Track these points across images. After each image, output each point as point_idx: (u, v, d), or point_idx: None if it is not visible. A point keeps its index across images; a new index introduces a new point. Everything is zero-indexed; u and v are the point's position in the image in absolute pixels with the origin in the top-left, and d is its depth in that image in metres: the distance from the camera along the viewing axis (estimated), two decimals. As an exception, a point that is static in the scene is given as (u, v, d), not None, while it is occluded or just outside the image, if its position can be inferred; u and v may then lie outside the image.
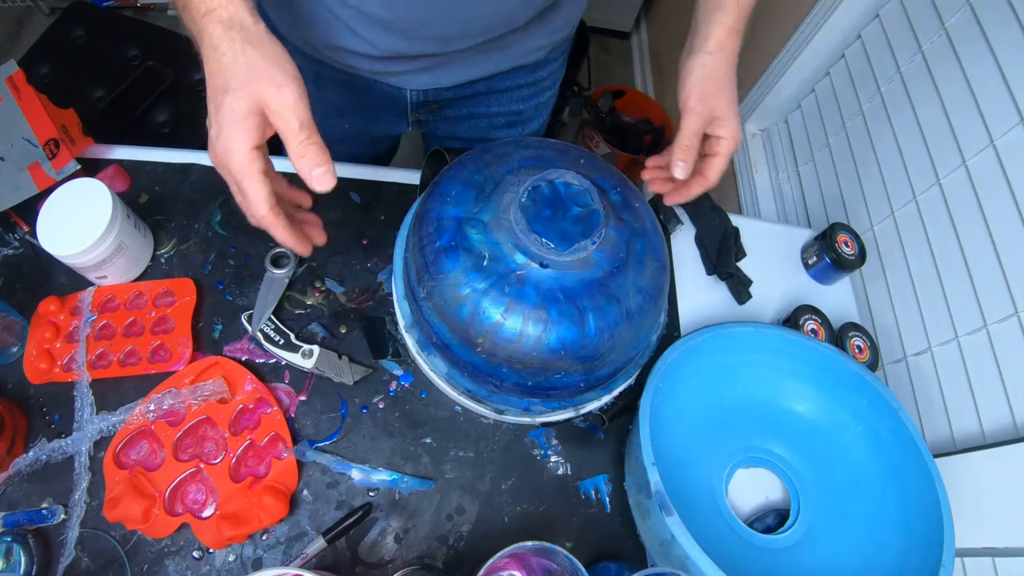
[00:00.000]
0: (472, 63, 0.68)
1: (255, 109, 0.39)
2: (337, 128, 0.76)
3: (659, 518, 0.50)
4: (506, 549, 0.46)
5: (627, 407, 0.63)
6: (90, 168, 0.66)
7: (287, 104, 0.39)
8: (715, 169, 0.54)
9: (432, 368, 0.58)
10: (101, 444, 0.57)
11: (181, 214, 0.69)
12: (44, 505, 0.55)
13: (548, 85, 0.80)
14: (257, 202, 0.41)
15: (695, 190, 0.55)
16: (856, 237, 0.80)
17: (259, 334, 0.62)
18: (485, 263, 0.49)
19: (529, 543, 0.46)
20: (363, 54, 0.62)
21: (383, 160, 0.91)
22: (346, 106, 0.74)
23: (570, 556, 0.46)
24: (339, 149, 0.68)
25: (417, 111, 0.75)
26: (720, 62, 0.52)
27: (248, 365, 0.62)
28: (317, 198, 0.49)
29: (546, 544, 0.46)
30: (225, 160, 0.40)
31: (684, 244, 0.79)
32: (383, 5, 0.55)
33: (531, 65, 0.73)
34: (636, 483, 0.58)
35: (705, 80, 0.52)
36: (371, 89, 0.70)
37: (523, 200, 0.50)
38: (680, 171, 0.53)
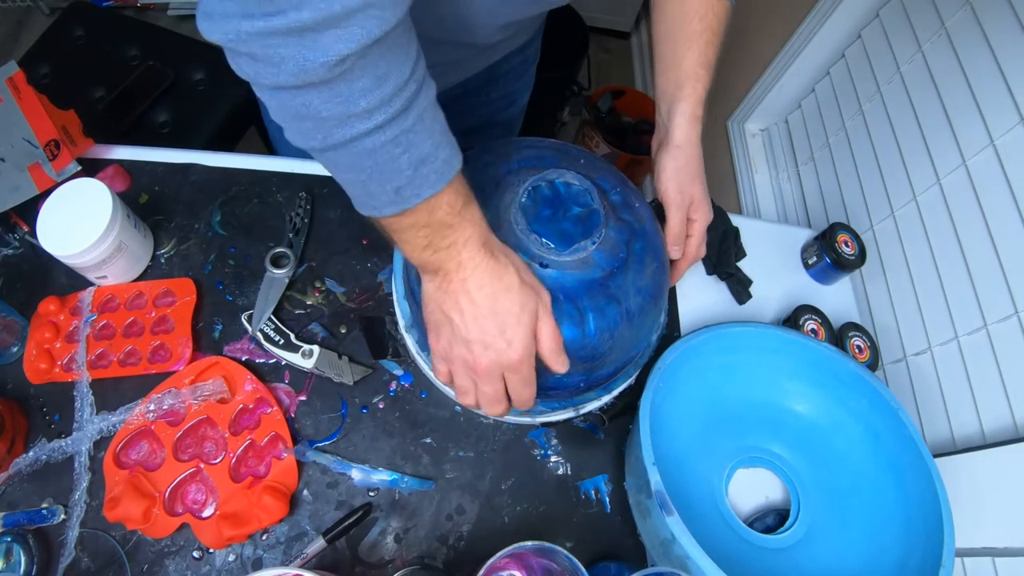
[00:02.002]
0: (476, 62, 0.68)
1: (534, 311, 0.44)
2: None
3: (659, 518, 0.49)
4: (506, 549, 0.46)
5: (627, 407, 0.63)
6: (90, 168, 0.66)
7: (549, 305, 0.46)
8: (693, 247, 0.61)
9: (432, 368, 0.58)
10: (101, 444, 0.57)
11: (181, 214, 0.69)
12: (44, 505, 0.55)
13: (533, 57, 0.80)
14: (533, 378, 0.47)
15: (683, 267, 0.62)
16: (856, 237, 0.80)
17: (259, 334, 0.62)
18: (485, 263, 0.49)
19: (529, 543, 0.46)
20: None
21: None
22: None
23: (570, 556, 0.46)
24: None
25: None
26: (689, 153, 0.58)
27: (248, 365, 0.62)
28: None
29: (546, 544, 0.46)
30: (506, 357, 0.44)
31: (684, 244, 0.79)
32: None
33: (523, 44, 0.73)
34: (636, 483, 0.58)
35: (678, 172, 0.58)
36: None
37: (523, 200, 0.50)
38: (676, 253, 0.60)
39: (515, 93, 0.82)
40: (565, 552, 0.46)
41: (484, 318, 0.43)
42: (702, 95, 0.58)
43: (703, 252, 0.62)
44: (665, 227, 0.59)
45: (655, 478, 0.50)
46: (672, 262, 0.62)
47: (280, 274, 0.65)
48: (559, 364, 0.47)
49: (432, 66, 0.38)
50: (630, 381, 0.61)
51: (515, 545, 0.46)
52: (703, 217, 0.59)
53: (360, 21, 0.31)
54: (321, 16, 0.30)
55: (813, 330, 0.72)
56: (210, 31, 0.32)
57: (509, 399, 0.48)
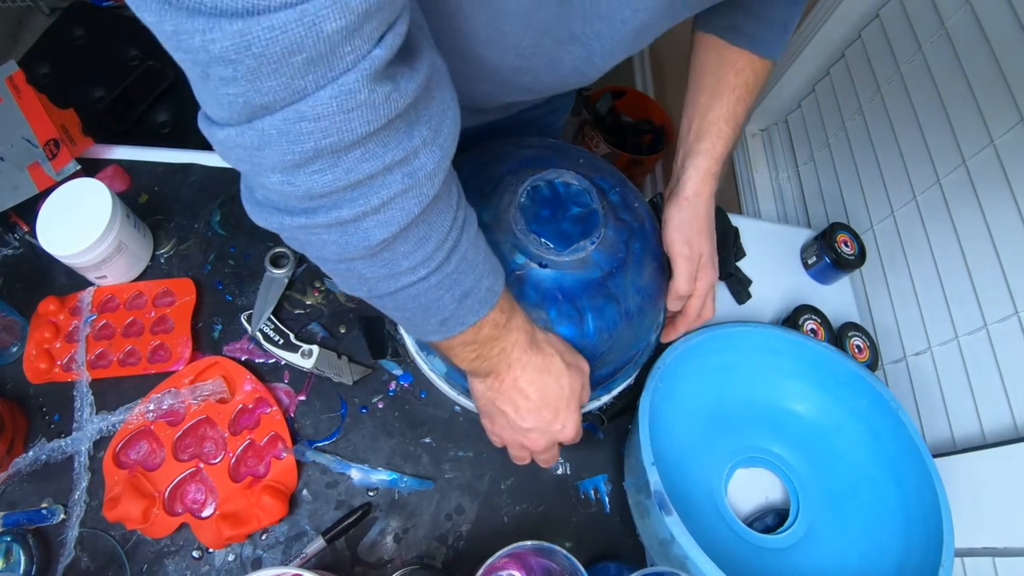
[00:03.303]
0: (501, 110, 0.66)
1: (579, 391, 0.47)
2: None
3: (658, 518, 0.49)
4: (505, 549, 0.46)
5: (627, 407, 0.63)
6: (90, 168, 0.66)
7: (587, 373, 0.48)
8: (695, 307, 0.57)
9: (431, 368, 0.58)
10: (101, 444, 0.57)
11: (181, 214, 0.69)
12: (44, 505, 0.55)
13: (567, 104, 0.79)
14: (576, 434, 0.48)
15: (681, 328, 0.59)
16: (856, 237, 0.80)
17: (259, 334, 0.62)
18: (484, 263, 0.49)
19: (528, 543, 0.46)
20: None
21: None
22: None
23: (569, 556, 0.46)
24: None
25: None
26: (697, 207, 0.55)
27: (248, 365, 0.62)
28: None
29: (545, 544, 0.46)
30: (562, 437, 0.47)
31: (684, 244, 0.79)
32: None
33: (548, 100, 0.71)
34: (636, 483, 0.57)
35: (683, 224, 0.55)
36: None
37: (522, 200, 0.50)
38: (675, 306, 0.57)
39: (550, 125, 0.81)
40: (564, 552, 0.46)
41: (538, 410, 0.45)
42: (721, 153, 0.56)
43: (709, 314, 0.58)
44: (671, 283, 0.56)
45: (654, 478, 0.50)
46: (670, 318, 0.59)
47: (280, 274, 0.65)
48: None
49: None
50: (629, 381, 0.61)
51: (514, 545, 0.46)
52: (707, 276, 0.56)
53: (400, 204, 0.31)
54: (360, 211, 0.30)
55: (813, 330, 0.72)
56: (257, 218, 0.33)
57: None
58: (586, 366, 0.48)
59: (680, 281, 0.55)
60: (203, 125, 0.30)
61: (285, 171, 0.28)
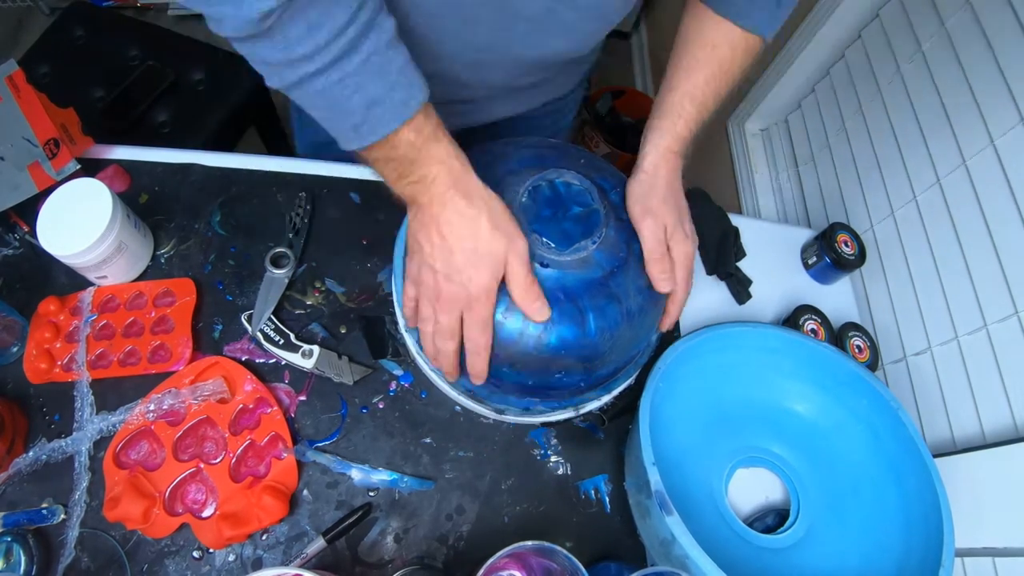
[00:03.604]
0: (508, 102, 0.66)
1: (499, 256, 0.45)
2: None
3: (659, 518, 0.49)
4: (506, 549, 0.46)
5: (627, 407, 0.63)
6: (90, 168, 0.66)
7: (522, 253, 0.46)
8: (682, 276, 0.54)
9: (432, 368, 0.58)
10: (101, 444, 0.57)
11: (181, 214, 0.69)
12: (44, 505, 0.55)
13: (570, 108, 0.79)
14: (488, 324, 0.47)
15: (672, 311, 0.55)
16: (856, 237, 0.80)
17: (259, 334, 0.62)
18: (485, 263, 0.49)
19: (529, 543, 0.46)
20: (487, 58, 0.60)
21: None
22: None
23: (570, 556, 0.46)
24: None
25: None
26: (655, 179, 0.53)
27: (248, 365, 0.62)
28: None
29: (546, 544, 0.46)
30: (464, 292, 0.45)
31: (684, 244, 0.79)
32: (436, 48, 0.52)
33: (561, 96, 0.72)
34: (636, 483, 0.58)
35: (641, 196, 0.53)
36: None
37: (523, 200, 0.50)
38: (664, 285, 0.52)
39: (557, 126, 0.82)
40: (565, 552, 0.46)
41: (450, 252, 0.45)
42: (683, 132, 0.54)
43: (685, 289, 0.55)
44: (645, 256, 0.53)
45: (655, 478, 0.50)
46: (665, 303, 0.56)
47: (280, 274, 0.65)
48: (533, 310, 0.47)
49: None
50: (630, 381, 0.61)
51: (515, 545, 0.46)
52: (679, 244, 0.53)
53: None
54: None
55: (813, 330, 0.72)
56: None
57: (463, 369, 0.51)
58: (521, 243, 0.46)
59: (648, 243, 0.51)
60: None
61: None
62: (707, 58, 0.53)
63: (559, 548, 0.46)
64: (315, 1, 0.36)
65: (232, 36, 0.37)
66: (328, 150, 0.64)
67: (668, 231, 0.52)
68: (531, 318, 0.47)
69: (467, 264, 0.45)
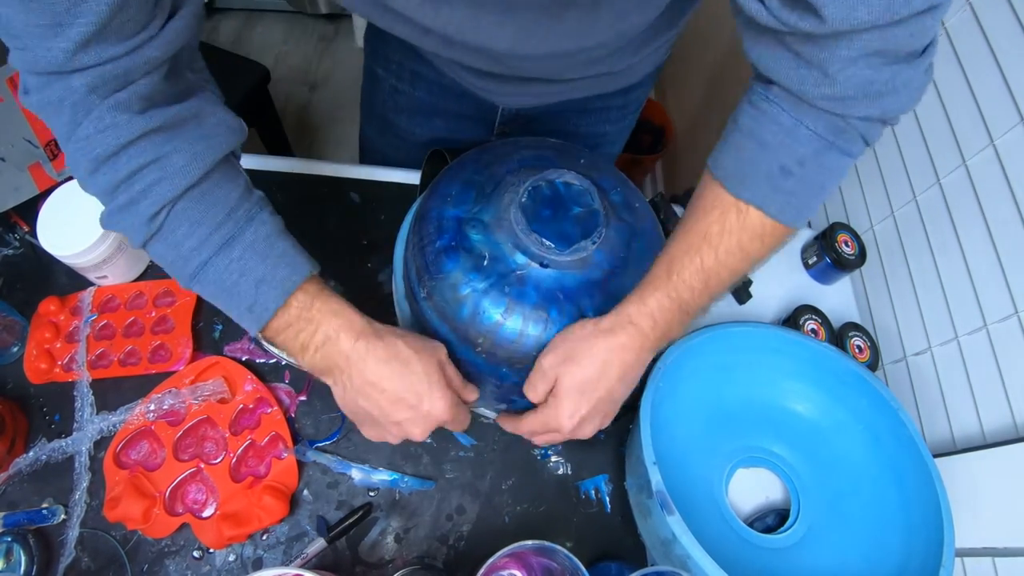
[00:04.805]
0: (573, 87, 0.65)
1: (438, 369, 0.47)
2: (424, 128, 0.76)
3: (660, 517, 0.49)
4: (506, 548, 0.46)
5: (627, 407, 0.63)
6: (90, 168, 0.66)
7: (445, 355, 0.49)
8: (524, 421, 0.51)
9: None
10: (101, 444, 0.57)
11: (181, 214, 0.69)
12: (44, 505, 0.55)
13: (635, 108, 0.79)
14: (464, 416, 0.50)
15: (508, 426, 0.54)
16: (856, 237, 0.80)
17: (259, 334, 0.62)
18: (485, 263, 0.49)
19: (529, 542, 0.46)
20: (465, 66, 0.60)
21: None
22: (437, 109, 0.73)
23: (570, 555, 0.46)
24: (420, 153, 0.69)
25: (504, 124, 0.74)
26: (595, 339, 0.46)
27: (248, 365, 0.62)
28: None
29: (546, 543, 0.46)
30: (433, 419, 0.46)
31: (684, 244, 0.79)
32: (488, 45, 0.48)
33: (627, 87, 0.70)
34: (637, 483, 0.58)
35: (555, 347, 0.47)
36: (464, 97, 0.69)
37: (523, 200, 0.50)
38: (533, 396, 0.49)
39: (603, 136, 0.79)
40: (565, 551, 0.46)
41: (399, 399, 0.45)
42: (631, 312, 0.46)
43: (523, 430, 0.51)
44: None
45: (656, 478, 0.50)
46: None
47: None
48: (470, 394, 0.51)
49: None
50: (630, 381, 0.61)
51: (515, 544, 0.46)
52: (548, 411, 0.48)
53: (157, 191, 0.40)
54: (130, 196, 0.40)
55: (813, 330, 0.72)
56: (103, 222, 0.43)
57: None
58: (439, 346, 0.48)
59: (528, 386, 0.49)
60: None
61: (91, 176, 0.39)
62: (691, 227, 0.46)
63: (559, 547, 0.46)
64: (195, 203, 0.41)
65: (137, 240, 0.42)
66: None
67: (554, 389, 0.48)
68: (467, 400, 0.51)
69: (420, 396, 0.45)
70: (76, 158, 0.39)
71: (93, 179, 0.40)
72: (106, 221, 0.42)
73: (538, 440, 0.52)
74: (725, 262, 0.45)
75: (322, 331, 0.44)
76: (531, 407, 0.51)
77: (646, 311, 0.46)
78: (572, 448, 0.64)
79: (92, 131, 0.37)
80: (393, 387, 0.44)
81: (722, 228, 0.44)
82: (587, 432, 0.49)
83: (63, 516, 0.54)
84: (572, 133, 0.76)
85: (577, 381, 0.46)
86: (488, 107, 0.70)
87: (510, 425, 0.54)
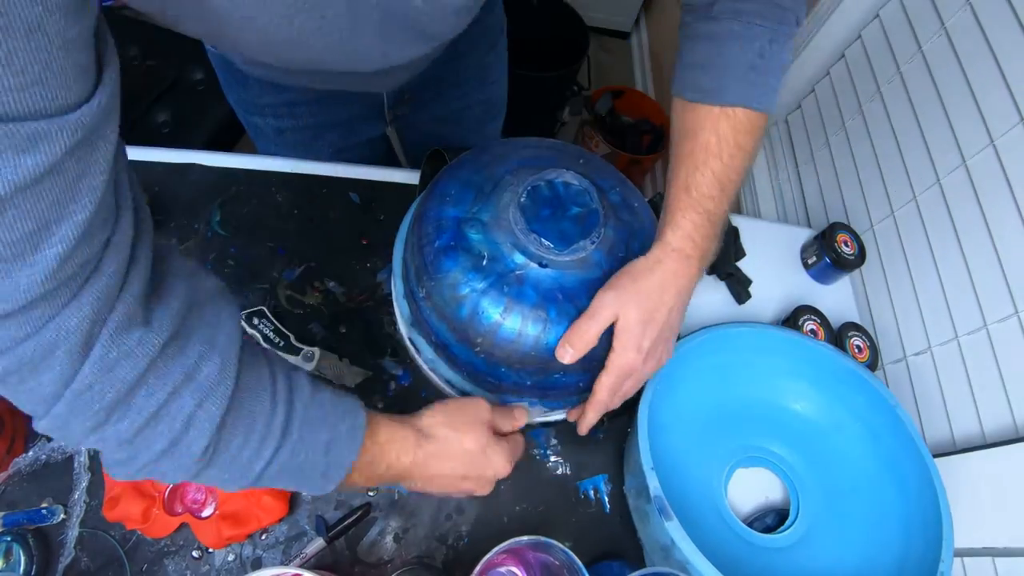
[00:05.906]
0: (440, 48, 0.62)
1: (487, 431, 0.48)
2: (317, 149, 0.75)
3: (659, 523, 0.49)
4: (503, 544, 0.46)
5: (627, 407, 0.63)
6: (90, 168, 0.66)
7: (487, 407, 0.49)
8: (600, 385, 0.50)
9: (431, 368, 0.58)
10: (101, 444, 0.57)
11: (181, 214, 0.69)
12: (44, 505, 0.55)
13: (500, 27, 0.76)
14: (519, 450, 0.51)
15: (590, 414, 0.52)
16: (856, 237, 0.80)
17: (258, 335, 0.62)
18: (484, 263, 0.49)
19: (524, 538, 0.46)
20: (338, 72, 0.58)
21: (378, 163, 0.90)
22: (326, 124, 0.72)
23: (566, 550, 0.46)
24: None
25: (394, 108, 0.73)
26: (640, 284, 0.47)
27: (248, 365, 0.62)
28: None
29: (542, 538, 0.46)
30: (501, 476, 0.49)
31: (684, 244, 0.79)
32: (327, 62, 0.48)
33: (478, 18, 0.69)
34: (636, 486, 0.57)
35: (611, 286, 0.48)
36: (347, 100, 0.68)
37: (522, 200, 0.50)
38: (567, 356, 0.48)
39: (488, 103, 0.80)
40: (561, 546, 0.46)
41: (464, 475, 0.47)
42: (688, 226, 0.48)
43: (602, 397, 0.50)
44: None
45: (654, 483, 0.50)
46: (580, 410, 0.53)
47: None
48: (520, 419, 0.52)
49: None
50: (629, 381, 0.61)
51: (511, 540, 0.46)
52: (618, 355, 0.48)
53: (201, 416, 0.33)
54: (170, 437, 0.32)
55: (812, 330, 0.72)
56: (116, 476, 0.35)
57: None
58: (480, 404, 0.49)
59: (579, 322, 0.48)
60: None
61: (94, 432, 0.31)
62: (691, 148, 0.49)
63: (555, 542, 0.46)
64: (240, 405, 0.35)
65: (186, 477, 0.35)
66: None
67: (617, 332, 0.48)
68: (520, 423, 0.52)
69: (482, 466, 0.47)
70: (67, 419, 0.30)
71: (99, 434, 0.31)
72: (132, 473, 0.34)
73: (620, 396, 0.51)
74: (730, 164, 0.49)
75: (384, 463, 0.44)
76: (534, 404, 0.51)
77: (683, 234, 0.49)
78: (572, 448, 0.64)
79: (97, 373, 0.29)
80: (455, 471, 0.47)
81: (719, 137, 0.48)
82: (651, 368, 0.51)
83: (62, 516, 0.54)
84: (464, 81, 0.75)
85: (638, 314, 0.47)
86: (373, 97, 0.69)
87: (584, 407, 0.52)
